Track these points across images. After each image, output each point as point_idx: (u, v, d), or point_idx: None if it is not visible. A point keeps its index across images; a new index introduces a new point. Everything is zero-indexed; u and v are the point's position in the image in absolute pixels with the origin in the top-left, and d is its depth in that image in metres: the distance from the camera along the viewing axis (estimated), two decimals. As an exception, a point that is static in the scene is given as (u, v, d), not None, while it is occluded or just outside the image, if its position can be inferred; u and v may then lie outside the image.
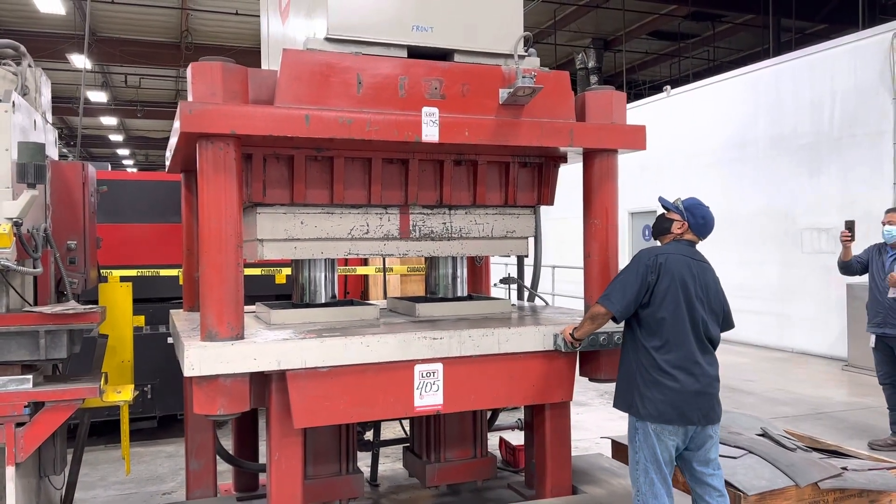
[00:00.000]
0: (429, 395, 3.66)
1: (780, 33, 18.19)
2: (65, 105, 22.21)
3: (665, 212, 3.87)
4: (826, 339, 10.48)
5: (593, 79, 20.92)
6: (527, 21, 16.43)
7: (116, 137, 31.88)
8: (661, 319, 3.55)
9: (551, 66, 21.78)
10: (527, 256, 4.76)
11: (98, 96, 23.08)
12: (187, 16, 17.56)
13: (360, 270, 7.54)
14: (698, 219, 3.75)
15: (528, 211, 4.51)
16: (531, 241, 4.72)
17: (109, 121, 27.52)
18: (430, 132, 3.66)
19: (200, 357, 3.23)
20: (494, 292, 5.88)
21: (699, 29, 20.08)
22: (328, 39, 3.62)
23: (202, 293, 3.43)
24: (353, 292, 7.77)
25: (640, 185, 14.76)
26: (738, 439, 4.55)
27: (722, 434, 4.65)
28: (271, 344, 3.36)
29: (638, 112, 15.17)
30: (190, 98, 3.38)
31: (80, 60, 17.87)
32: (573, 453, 4.33)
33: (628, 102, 16.59)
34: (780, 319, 11.43)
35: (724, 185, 12.43)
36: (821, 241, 10.56)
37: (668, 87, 14.02)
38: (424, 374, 3.64)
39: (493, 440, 5.94)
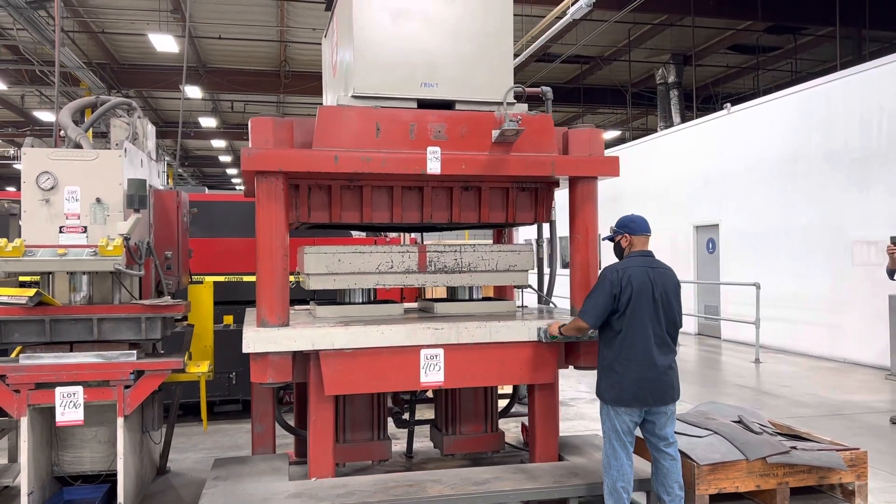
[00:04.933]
0: (432, 374, 4.62)
1: (861, 43, 18.10)
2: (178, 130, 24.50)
3: (612, 240, 4.66)
4: (874, 349, 10.68)
5: (673, 94, 21.23)
6: (602, 41, 17.10)
7: (225, 158, 34.48)
8: (623, 321, 4.33)
9: (628, 84, 22.46)
10: (527, 287, 5.54)
11: (208, 121, 25.39)
12: (285, 47, 19.28)
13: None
14: (629, 224, 4.56)
15: (528, 248, 5.37)
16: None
17: (219, 143, 29.97)
18: (433, 166, 4.65)
19: (255, 339, 4.33)
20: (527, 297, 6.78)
21: (781, 41, 20.10)
22: (354, 97, 4.68)
23: (258, 292, 4.54)
24: (409, 297, 8.83)
25: (704, 199, 15.16)
26: (710, 423, 5.25)
27: (699, 419, 5.41)
28: (308, 330, 4.42)
29: (701, 129, 15.59)
30: (250, 145, 4.52)
31: (189, 91, 19.95)
32: (589, 439, 5.19)
33: (705, 115, 16.88)
34: (832, 330, 11.65)
35: (779, 198, 12.77)
36: (870, 254, 10.78)
37: (728, 104, 14.42)
38: (429, 357, 4.61)
39: (516, 426, 6.84)
